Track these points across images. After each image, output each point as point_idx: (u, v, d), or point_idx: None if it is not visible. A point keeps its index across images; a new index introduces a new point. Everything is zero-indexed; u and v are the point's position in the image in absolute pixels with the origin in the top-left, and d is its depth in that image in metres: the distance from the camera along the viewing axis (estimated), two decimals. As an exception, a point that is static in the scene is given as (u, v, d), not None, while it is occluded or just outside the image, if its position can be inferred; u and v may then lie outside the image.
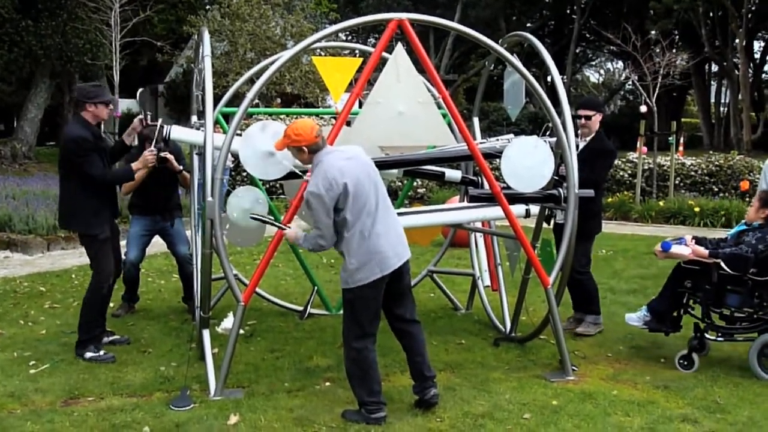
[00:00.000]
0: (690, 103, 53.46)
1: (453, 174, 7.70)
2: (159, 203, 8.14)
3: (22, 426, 5.35)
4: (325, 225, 5.29)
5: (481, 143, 7.13)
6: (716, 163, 17.64)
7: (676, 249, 6.68)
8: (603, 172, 7.67)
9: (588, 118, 7.51)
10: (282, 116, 18.30)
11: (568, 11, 45.88)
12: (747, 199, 16.21)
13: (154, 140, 7.07)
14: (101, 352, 6.80)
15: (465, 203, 7.80)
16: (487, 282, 8.26)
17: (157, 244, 8.59)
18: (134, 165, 6.98)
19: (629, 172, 17.55)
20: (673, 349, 7.21)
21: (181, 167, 7.85)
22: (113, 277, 7.09)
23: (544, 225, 7.58)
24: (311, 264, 9.74)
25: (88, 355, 6.75)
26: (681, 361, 6.68)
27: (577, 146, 7.25)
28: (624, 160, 18.01)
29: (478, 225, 8.09)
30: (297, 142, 5.41)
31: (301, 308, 8.31)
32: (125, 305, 8.37)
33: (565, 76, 40.26)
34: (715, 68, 43.98)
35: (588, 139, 7.55)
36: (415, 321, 5.69)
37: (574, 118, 7.62)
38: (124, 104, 29.22)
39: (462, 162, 8.06)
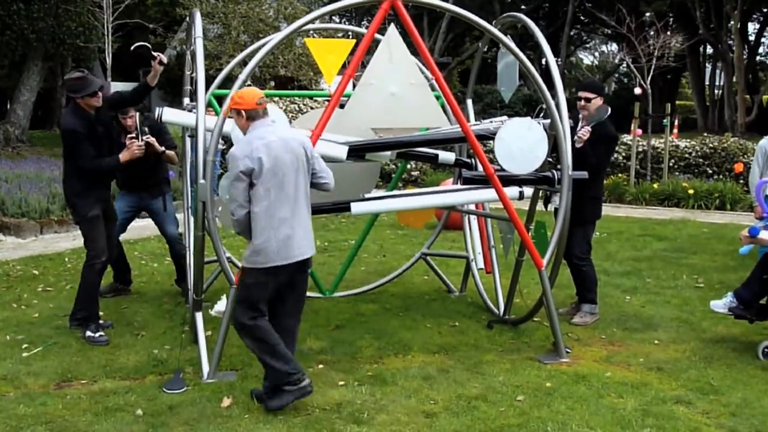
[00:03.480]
0: (684, 85, 53.43)
1: (446, 156, 7.68)
2: (142, 180, 8.11)
3: (15, 409, 5.34)
4: (238, 194, 5.24)
5: (474, 125, 7.11)
6: (710, 145, 17.61)
7: (764, 235, 6.51)
8: (604, 157, 7.57)
9: (588, 100, 7.43)
10: (275, 98, 18.25)
11: (562, -7, 45.76)
12: (741, 181, 16.21)
13: (137, 132, 7.21)
14: (98, 334, 6.83)
15: (459, 185, 7.79)
16: (481, 264, 8.25)
17: (151, 227, 8.57)
18: (121, 156, 7.05)
19: (623, 154, 17.52)
20: (668, 331, 7.24)
21: (163, 148, 7.80)
22: (107, 261, 7.16)
23: (542, 209, 7.57)
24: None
25: (88, 333, 6.82)
26: (766, 351, 6.47)
27: (573, 129, 7.19)
28: (618, 142, 17.99)
29: (472, 207, 8.08)
30: (237, 105, 5.33)
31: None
32: (113, 284, 8.33)
33: (559, 59, 40.19)
34: (709, 50, 43.97)
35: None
36: (297, 318, 5.62)
37: (576, 99, 7.59)
38: (117, 88, 29.08)
39: (456, 144, 8.03)
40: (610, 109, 7.32)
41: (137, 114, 7.69)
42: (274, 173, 5.20)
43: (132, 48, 7.13)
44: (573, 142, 7.02)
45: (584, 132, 7.13)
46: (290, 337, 5.54)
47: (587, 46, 58.66)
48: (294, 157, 5.30)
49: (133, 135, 7.26)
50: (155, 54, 7.00)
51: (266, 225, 5.24)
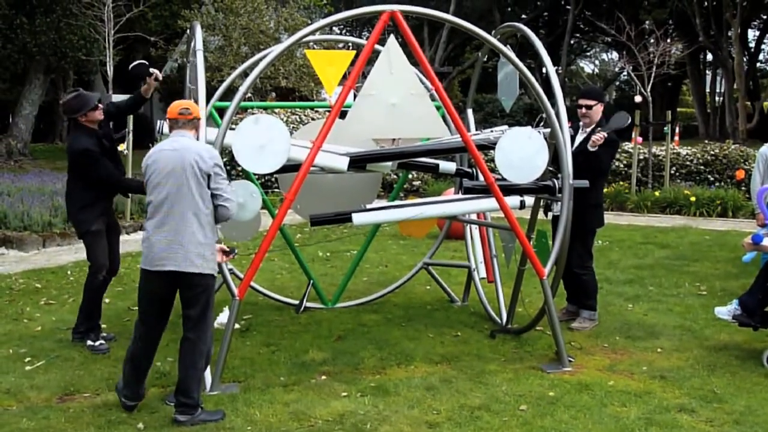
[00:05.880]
0: (685, 92, 53.42)
1: (447, 166, 7.69)
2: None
3: (18, 422, 5.34)
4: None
5: (475, 135, 7.12)
6: (711, 152, 17.61)
7: (767, 242, 6.54)
8: (606, 161, 7.60)
9: (589, 107, 7.47)
10: (276, 110, 18.28)
11: (562, 2, 45.78)
12: (742, 188, 16.21)
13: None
14: (98, 342, 6.95)
15: (460, 195, 7.80)
16: (483, 274, 8.25)
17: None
18: None
19: (625, 162, 17.53)
20: (671, 339, 7.23)
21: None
22: (109, 273, 7.23)
23: (542, 216, 7.57)
24: (307, 257, 9.73)
25: (89, 342, 6.93)
26: None
27: (573, 138, 7.21)
28: (619, 150, 17.98)
29: (473, 217, 8.08)
30: (168, 115, 5.54)
31: (296, 302, 8.29)
32: None
33: (559, 67, 40.19)
34: (710, 57, 43.97)
35: (589, 129, 7.50)
36: (187, 338, 5.50)
37: (576, 107, 7.61)
38: (118, 100, 29.09)
39: (456, 154, 8.04)
40: (629, 117, 7.34)
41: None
42: (153, 182, 5.35)
43: (130, 67, 7.16)
44: (586, 147, 7.09)
45: (599, 138, 7.14)
46: (183, 362, 5.52)
47: (587, 54, 58.71)
48: (181, 167, 5.28)
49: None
50: (152, 71, 7.06)
51: (147, 230, 5.40)
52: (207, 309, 5.46)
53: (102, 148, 6.89)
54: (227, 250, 5.66)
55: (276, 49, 6.37)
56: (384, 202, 7.81)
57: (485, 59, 8.51)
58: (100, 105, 6.93)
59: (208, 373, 5.97)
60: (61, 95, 27.91)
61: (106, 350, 6.87)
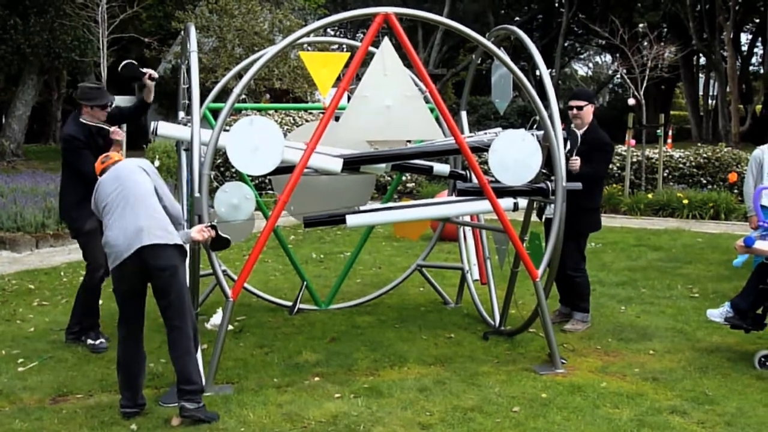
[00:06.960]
0: (678, 95, 53.54)
1: (441, 168, 7.71)
2: None
3: (11, 424, 5.34)
4: None
5: (468, 137, 7.13)
6: (704, 155, 17.66)
7: (760, 245, 6.55)
8: (601, 166, 7.59)
9: (579, 108, 7.48)
10: (270, 111, 18.27)
11: (556, 5, 45.87)
12: (735, 191, 16.26)
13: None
14: (98, 341, 6.95)
15: (453, 197, 7.81)
16: (476, 276, 8.26)
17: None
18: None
19: (618, 165, 17.56)
20: (663, 341, 7.25)
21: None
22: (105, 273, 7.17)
23: (535, 219, 7.59)
24: (300, 259, 9.73)
25: (89, 341, 6.95)
26: (762, 360, 6.50)
27: (566, 139, 7.23)
28: (614, 150, 17.99)
29: (467, 219, 8.10)
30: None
31: (290, 304, 8.30)
32: None
33: (553, 70, 40.28)
34: (703, 61, 44.09)
35: (582, 131, 7.53)
36: (173, 326, 5.50)
37: (567, 109, 7.64)
38: (123, 104, 29.06)
39: (450, 156, 8.06)
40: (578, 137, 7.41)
41: None
42: (105, 192, 5.57)
43: (119, 69, 7.15)
44: (579, 149, 7.12)
45: (573, 163, 7.18)
46: (178, 351, 5.58)
47: (581, 57, 58.80)
48: (116, 175, 5.61)
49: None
50: (144, 70, 7.05)
51: (105, 230, 5.52)
52: (182, 293, 5.47)
53: (91, 141, 6.87)
54: (209, 225, 5.76)
55: (270, 51, 6.38)
56: (378, 204, 7.82)
57: (479, 62, 8.53)
58: (108, 107, 6.98)
59: (201, 373, 5.97)
60: (55, 94, 27.98)
61: (106, 349, 6.84)
